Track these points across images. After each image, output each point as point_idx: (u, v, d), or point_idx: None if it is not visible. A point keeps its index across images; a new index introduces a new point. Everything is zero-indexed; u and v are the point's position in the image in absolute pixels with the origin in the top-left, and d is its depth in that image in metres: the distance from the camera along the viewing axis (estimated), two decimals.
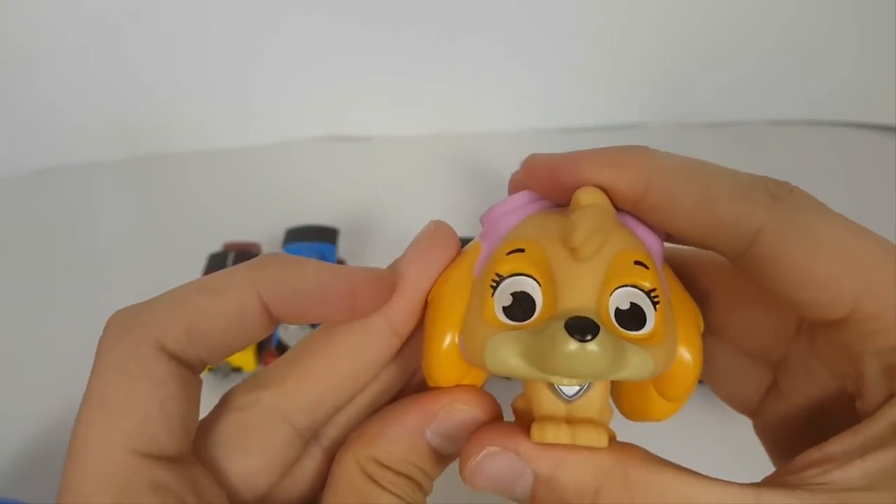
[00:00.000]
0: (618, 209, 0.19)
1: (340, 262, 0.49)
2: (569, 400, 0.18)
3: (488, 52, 0.64)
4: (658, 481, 0.17)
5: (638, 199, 0.19)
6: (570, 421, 0.17)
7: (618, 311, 0.17)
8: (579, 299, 0.17)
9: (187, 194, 0.61)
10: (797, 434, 0.21)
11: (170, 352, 0.18)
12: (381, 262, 0.54)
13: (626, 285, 0.17)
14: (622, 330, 0.17)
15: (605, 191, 0.19)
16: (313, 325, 0.41)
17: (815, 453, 0.17)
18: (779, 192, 0.18)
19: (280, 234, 0.47)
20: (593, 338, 0.16)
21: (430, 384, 0.19)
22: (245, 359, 0.43)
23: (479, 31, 0.64)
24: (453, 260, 0.20)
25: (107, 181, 0.62)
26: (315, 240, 0.47)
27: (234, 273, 0.19)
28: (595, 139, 0.70)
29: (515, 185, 0.21)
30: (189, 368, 0.18)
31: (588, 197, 0.18)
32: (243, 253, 0.45)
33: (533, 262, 0.17)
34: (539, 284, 0.17)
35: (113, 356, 0.18)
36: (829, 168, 0.63)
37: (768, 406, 0.22)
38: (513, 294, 0.17)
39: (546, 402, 0.18)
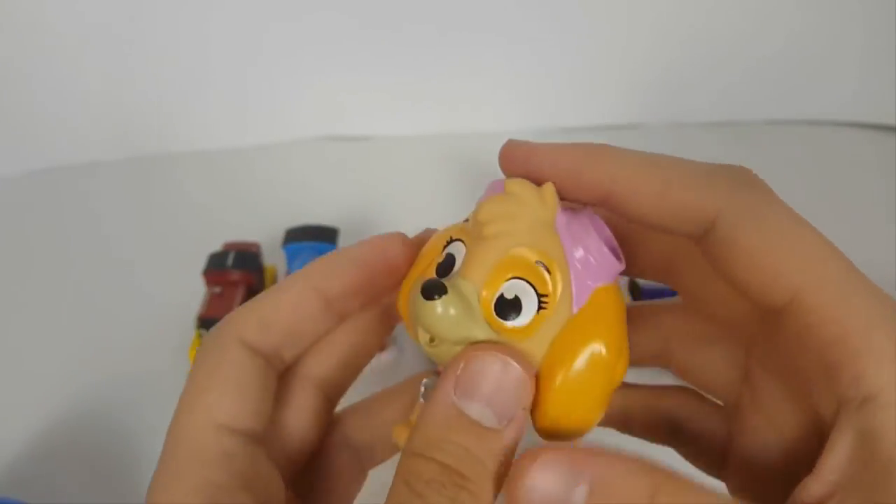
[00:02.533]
0: (597, 211, 0.20)
1: None
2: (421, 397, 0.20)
3: (488, 52, 0.64)
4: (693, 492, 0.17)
5: (605, 192, 0.20)
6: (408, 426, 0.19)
7: (502, 297, 0.18)
8: (470, 271, 0.18)
9: (187, 194, 0.61)
10: (767, 471, 0.21)
11: (248, 343, 0.21)
12: None
13: (521, 278, 0.18)
14: (496, 316, 0.18)
15: (573, 183, 0.20)
16: None
17: None
18: (739, 180, 0.20)
19: (280, 234, 0.47)
20: (438, 297, 0.18)
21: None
22: None
23: (479, 31, 0.64)
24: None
25: (107, 181, 0.62)
26: (315, 239, 0.47)
27: (296, 272, 0.22)
28: (595, 138, 0.70)
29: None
30: (265, 359, 0.21)
31: (511, 186, 0.19)
32: (243, 253, 0.45)
33: (463, 231, 0.20)
34: (464, 245, 0.20)
35: (204, 349, 0.21)
36: (829, 168, 0.63)
37: (733, 452, 0.22)
38: (447, 254, 0.20)
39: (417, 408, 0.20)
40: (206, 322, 0.41)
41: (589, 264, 0.19)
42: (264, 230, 0.51)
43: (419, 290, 0.18)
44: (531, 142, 0.22)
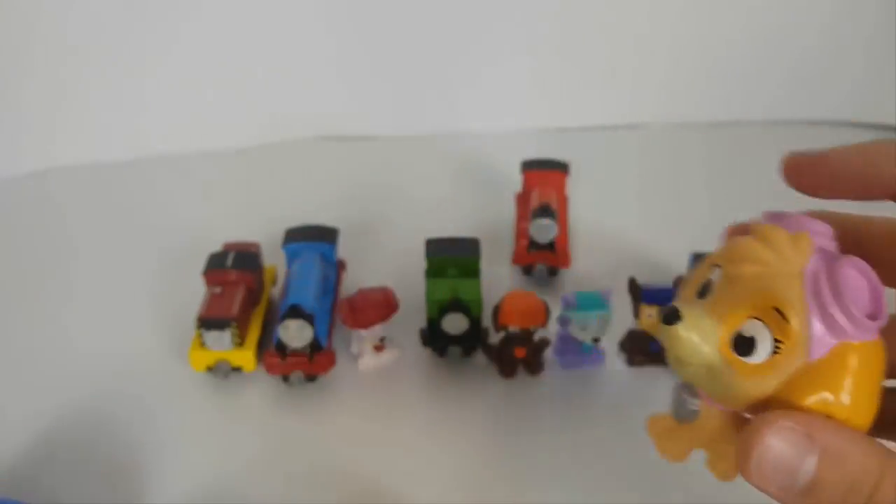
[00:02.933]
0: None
1: (340, 262, 0.49)
2: (678, 420, 0.23)
3: (488, 53, 0.65)
4: None
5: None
6: (671, 435, 0.23)
7: (740, 334, 0.20)
8: (717, 305, 0.21)
9: (188, 194, 0.61)
10: None
11: None
12: (382, 262, 0.55)
13: (759, 320, 0.20)
14: (731, 352, 0.20)
15: (861, 186, 0.22)
16: (314, 333, 0.41)
17: None
18: None
19: (280, 234, 0.47)
20: (677, 320, 0.20)
21: None
22: (245, 358, 0.43)
23: (479, 32, 0.64)
24: None
25: (108, 182, 0.62)
26: (314, 240, 0.47)
27: None
28: (595, 139, 0.71)
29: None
30: None
31: (767, 232, 0.21)
32: (243, 253, 0.45)
33: (722, 258, 0.22)
34: (720, 277, 0.21)
35: None
36: None
37: None
38: (707, 279, 0.22)
39: (665, 418, 0.24)
40: (206, 322, 0.41)
41: (830, 320, 0.20)
42: (264, 230, 0.51)
43: (662, 316, 0.20)
44: (814, 152, 0.23)
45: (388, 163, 0.64)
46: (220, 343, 0.42)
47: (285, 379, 0.43)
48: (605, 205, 0.57)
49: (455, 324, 0.43)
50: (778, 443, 0.18)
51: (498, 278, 0.50)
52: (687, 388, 0.22)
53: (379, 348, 0.44)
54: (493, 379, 0.44)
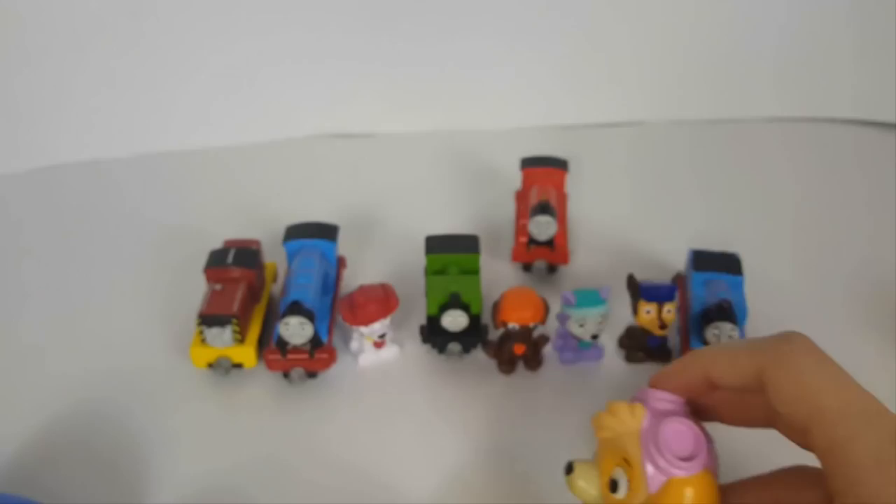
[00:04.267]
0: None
1: (340, 259, 0.49)
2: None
3: (488, 50, 0.65)
4: None
5: (706, 379, 0.29)
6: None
7: (611, 479, 0.29)
8: (599, 463, 0.30)
9: (189, 192, 0.61)
10: None
11: None
12: (382, 259, 0.55)
13: (620, 467, 0.28)
14: (609, 492, 0.29)
15: (685, 384, 0.30)
16: (314, 329, 0.41)
17: None
18: (773, 342, 0.28)
19: (280, 231, 0.48)
20: (568, 474, 0.30)
21: None
22: (246, 355, 0.43)
23: (479, 29, 0.64)
24: None
25: (109, 179, 0.62)
26: (315, 237, 0.47)
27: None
28: (595, 136, 0.71)
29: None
30: None
31: (612, 406, 0.29)
32: (244, 250, 0.46)
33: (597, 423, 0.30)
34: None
35: None
36: (828, 165, 0.63)
37: None
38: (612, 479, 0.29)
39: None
40: (207, 319, 0.42)
41: (655, 463, 0.28)
42: (265, 227, 0.51)
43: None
44: (662, 372, 0.31)
45: (388, 160, 0.64)
46: (221, 340, 0.42)
47: (286, 375, 0.43)
48: (603, 202, 0.57)
49: (455, 320, 0.43)
50: None
51: (497, 275, 0.50)
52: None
53: (379, 345, 0.45)
54: (493, 375, 0.44)
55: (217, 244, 0.47)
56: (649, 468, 0.28)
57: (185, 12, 0.60)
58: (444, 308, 0.43)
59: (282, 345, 0.42)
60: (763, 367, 0.27)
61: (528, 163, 0.53)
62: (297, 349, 0.42)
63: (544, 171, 0.53)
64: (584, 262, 0.52)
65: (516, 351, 0.43)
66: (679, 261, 0.48)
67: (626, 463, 0.28)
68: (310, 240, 0.47)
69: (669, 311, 0.42)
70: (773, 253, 0.52)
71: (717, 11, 0.64)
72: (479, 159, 0.63)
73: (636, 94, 0.68)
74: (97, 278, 0.52)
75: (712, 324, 0.41)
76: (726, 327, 0.40)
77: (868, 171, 0.62)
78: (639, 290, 0.43)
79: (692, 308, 0.43)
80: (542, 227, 0.48)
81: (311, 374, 0.43)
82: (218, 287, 0.44)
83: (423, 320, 0.45)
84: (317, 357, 0.42)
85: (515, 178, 0.53)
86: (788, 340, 0.28)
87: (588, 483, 0.29)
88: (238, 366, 0.43)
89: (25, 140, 0.63)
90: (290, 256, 0.47)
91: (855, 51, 0.65)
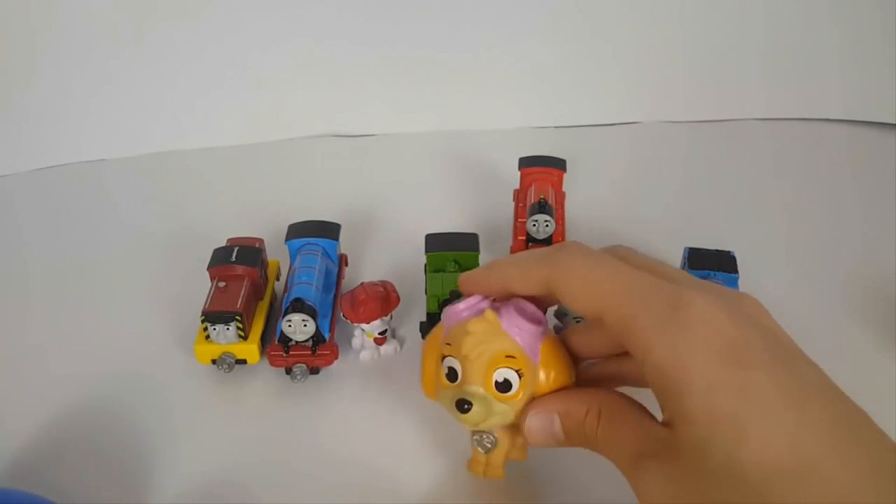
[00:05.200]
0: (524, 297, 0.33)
1: (342, 257, 0.49)
2: (483, 452, 0.35)
3: (488, 51, 0.65)
4: None
5: (506, 286, 0.33)
6: (486, 462, 0.35)
7: (497, 382, 0.31)
8: (472, 380, 0.32)
9: (192, 191, 0.61)
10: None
11: None
12: (383, 257, 0.55)
13: (503, 367, 0.31)
14: (498, 392, 0.31)
15: (486, 289, 0.33)
16: (317, 326, 0.42)
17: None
18: (552, 252, 0.31)
19: (283, 230, 0.48)
20: (469, 408, 0.31)
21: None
22: (249, 351, 0.43)
23: (479, 30, 0.64)
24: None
25: (113, 179, 0.63)
26: (317, 235, 0.47)
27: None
28: (591, 136, 0.71)
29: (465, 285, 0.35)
30: None
31: (472, 326, 0.32)
32: (247, 248, 0.46)
33: (455, 351, 0.32)
34: (459, 364, 0.32)
35: None
36: (821, 165, 0.63)
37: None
38: (448, 367, 0.32)
39: (475, 453, 0.35)
40: (211, 316, 0.42)
41: (526, 338, 0.32)
42: (267, 226, 0.51)
43: (454, 405, 0.31)
44: (469, 273, 0.34)
45: (388, 160, 0.65)
46: (225, 336, 0.42)
47: (288, 371, 0.43)
48: (600, 201, 0.58)
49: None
50: (534, 421, 0.32)
51: None
52: (488, 435, 0.34)
53: (380, 342, 0.45)
54: None
55: (220, 242, 0.47)
56: (523, 345, 0.31)
57: (185, 13, 0.61)
58: (444, 305, 0.44)
59: (284, 341, 0.42)
60: (547, 274, 0.31)
61: (527, 162, 0.54)
62: (299, 346, 0.42)
63: (542, 170, 0.53)
64: None
65: None
66: (675, 259, 0.48)
67: (509, 359, 0.31)
68: (312, 238, 0.47)
69: None
70: (767, 251, 0.53)
71: (711, 13, 0.64)
72: (478, 159, 0.64)
73: (632, 96, 0.68)
74: (101, 277, 0.52)
75: None
76: None
77: (861, 171, 0.63)
78: None
79: None
80: (541, 225, 0.49)
81: (314, 371, 0.43)
82: (222, 285, 0.44)
83: (423, 317, 0.46)
84: (319, 353, 0.43)
85: (514, 178, 0.54)
86: (563, 248, 0.31)
87: (484, 407, 0.31)
88: (241, 362, 0.44)
89: (28, 140, 0.63)
90: (293, 254, 0.47)
91: (847, 52, 0.66)
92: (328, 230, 0.48)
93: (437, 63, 0.65)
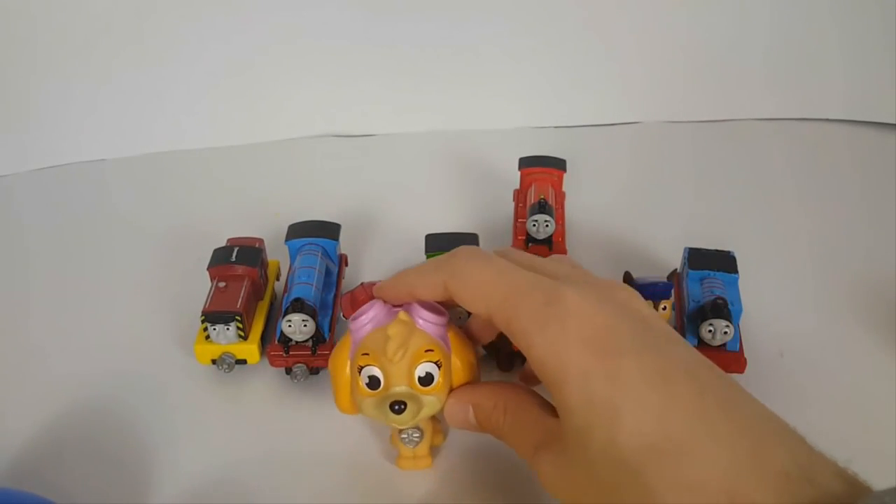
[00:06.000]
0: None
1: (342, 257, 0.49)
2: (412, 447, 0.37)
3: (487, 51, 0.65)
4: None
5: (412, 294, 0.35)
6: (414, 456, 0.38)
7: (420, 377, 0.33)
8: (397, 381, 0.33)
9: (193, 191, 0.61)
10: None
11: None
12: (383, 256, 0.56)
13: (424, 362, 0.33)
14: (421, 387, 0.33)
15: (397, 297, 0.36)
16: (317, 326, 0.42)
17: None
18: (448, 258, 0.34)
19: (283, 230, 0.48)
20: (403, 409, 0.33)
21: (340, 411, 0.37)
22: (249, 351, 0.43)
23: (479, 30, 0.64)
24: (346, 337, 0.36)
25: (113, 179, 0.63)
26: (317, 235, 0.47)
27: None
28: (591, 136, 0.71)
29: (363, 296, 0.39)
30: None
31: (393, 329, 0.33)
32: (247, 248, 0.46)
33: (374, 359, 0.33)
34: (380, 370, 0.33)
35: None
36: (821, 165, 0.63)
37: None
38: (369, 376, 0.34)
39: (403, 450, 0.37)
40: (211, 316, 0.42)
41: (438, 330, 0.34)
42: (267, 226, 0.51)
43: (387, 409, 0.33)
44: (381, 285, 0.36)
45: (388, 160, 0.65)
46: (225, 336, 0.43)
47: (288, 372, 0.43)
48: (600, 201, 0.58)
49: (454, 317, 0.44)
50: (452, 409, 0.34)
51: None
52: (414, 430, 0.36)
53: None
54: (491, 371, 0.45)
55: (220, 242, 0.47)
56: (436, 336, 0.34)
57: (186, 13, 0.61)
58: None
59: (284, 341, 0.42)
60: (444, 279, 0.33)
61: (527, 162, 0.54)
62: (299, 346, 0.42)
63: (542, 170, 0.53)
64: (582, 259, 0.51)
65: (514, 347, 0.43)
66: (675, 259, 0.48)
67: (428, 353, 0.33)
68: (312, 238, 0.47)
69: (665, 308, 0.43)
70: (768, 251, 0.53)
71: (712, 13, 0.64)
72: (478, 159, 0.64)
73: (633, 95, 0.68)
74: (101, 277, 0.52)
75: (707, 321, 0.41)
76: (721, 325, 0.41)
77: (861, 171, 0.63)
78: (635, 287, 0.43)
79: (687, 306, 0.44)
80: (541, 225, 0.49)
81: (314, 371, 0.43)
82: (222, 285, 0.44)
83: None
84: (319, 353, 0.43)
85: (514, 178, 0.54)
86: (456, 254, 0.34)
87: (415, 405, 0.33)
88: (241, 362, 0.44)
89: (28, 140, 0.63)
90: (293, 254, 0.47)
91: (847, 52, 0.66)
92: (328, 230, 0.48)
93: (437, 63, 0.65)
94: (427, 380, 0.33)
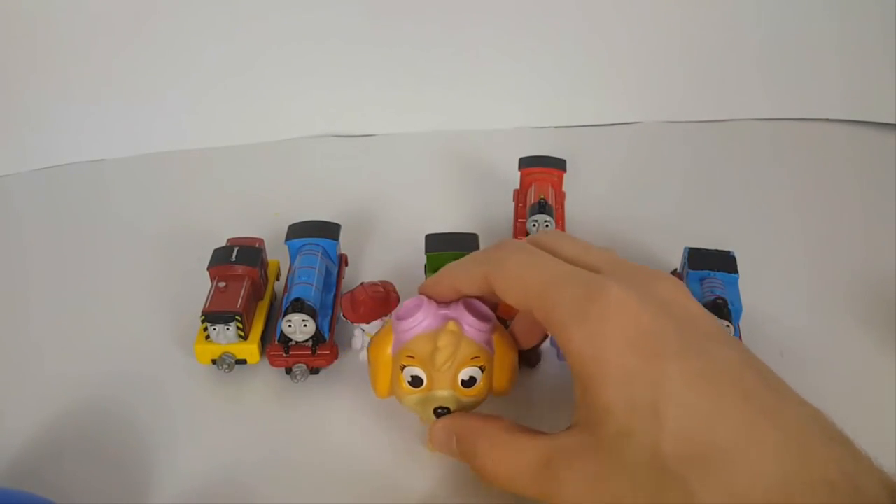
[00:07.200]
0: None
1: (342, 257, 0.49)
2: None
3: (488, 51, 0.65)
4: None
5: (457, 290, 0.35)
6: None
7: (463, 380, 0.34)
8: (442, 385, 0.34)
9: (192, 191, 0.62)
10: None
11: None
12: (382, 257, 0.56)
13: (469, 366, 0.34)
14: (463, 388, 0.35)
15: (445, 294, 0.36)
16: (317, 326, 0.42)
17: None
18: (490, 251, 0.34)
19: (283, 230, 0.48)
20: (446, 412, 0.35)
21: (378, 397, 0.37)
22: (249, 352, 0.43)
23: (479, 30, 0.64)
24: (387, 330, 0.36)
25: (113, 179, 0.63)
26: (317, 235, 0.47)
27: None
28: (592, 136, 0.71)
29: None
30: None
31: (442, 340, 0.33)
32: (247, 248, 0.46)
33: (420, 363, 0.34)
34: (423, 371, 0.34)
35: None
36: (822, 165, 0.64)
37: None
38: (412, 376, 0.35)
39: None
40: (211, 316, 0.42)
41: (483, 336, 0.35)
42: (267, 226, 0.51)
43: (433, 412, 0.35)
44: (425, 282, 0.36)
45: (388, 160, 0.65)
46: (225, 336, 0.43)
47: (288, 372, 0.43)
48: (600, 201, 0.58)
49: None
50: (437, 433, 0.35)
51: None
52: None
53: None
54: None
55: (220, 242, 0.47)
56: (482, 342, 0.34)
57: (186, 14, 0.61)
58: None
59: (284, 341, 0.42)
60: (486, 272, 0.32)
61: (527, 162, 0.54)
62: (299, 346, 0.42)
63: (542, 170, 0.53)
64: None
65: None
66: (675, 259, 0.48)
67: (475, 359, 0.34)
68: (312, 238, 0.47)
69: None
70: (768, 251, 0.53)
71: (711, 13, 0.65)
72: (478, 159, 0.64)
73: (632, 96, 0.68)
74: (101, 277, 0.52)
75: None
76: (721, 325, 0.41)
77: (861, 171, 0.63)
78: None
79: None
80: (541, 225, 0.49)
81: (314, 371, 0.43)
82: (222, 285, 0.44)
83: None
84: (319, 354, 0.43)
85: (514, 178, 0.54)
86: (500, 246, 0.34)
87: (456, 405, 0.35)
88: (241, 362, 0.44)
89: (28, 140, 0.63)
90: (293, 254, 0.47)
91: (847, 52, 0.66)
92: (328, 230, 0.48)
93: (437, 63, 0.65)
94: (470, 383, 0.34)
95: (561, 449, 0.29)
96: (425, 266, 0.46)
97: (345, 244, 0.50)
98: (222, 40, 0.62)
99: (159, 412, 0.42)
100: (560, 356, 0.45)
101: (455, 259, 0.45)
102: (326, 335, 0.43)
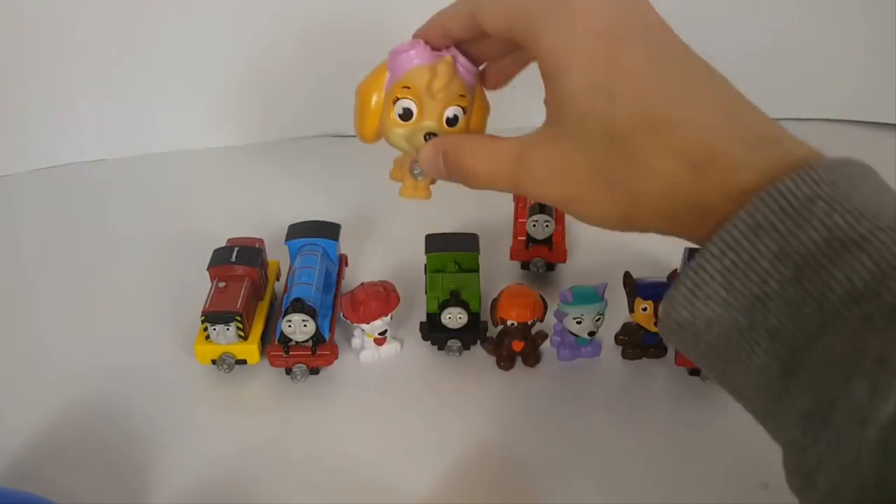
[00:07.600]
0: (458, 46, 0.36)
1: (342, 257, 0.49)
2: (416, 177, 0.38)
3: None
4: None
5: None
6: (415, 188, 0.39)
7: (448, 118, 0.35)
8: (430, 117, 0.35)
9: (192, 191, 0.61)
10: None
11: None
12: (383, 257, 0.56)
13: (455, 105, 0.35)
14: (446, 126, 0.35)
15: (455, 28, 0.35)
16: (317, 326, 0.42)
17: None
18: None
19: (283, 230, 0.48)
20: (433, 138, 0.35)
21: (361, 141, 0.39)
22: (249, 352, 0.43)
23: None
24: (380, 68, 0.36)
25: (115, 179, 0.63)
26: (317, 235, 0.47)
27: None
28: None
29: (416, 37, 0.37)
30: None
31: (442, 67, 0.34)
32: (247, 248, 0.46)
33: (414, 94, 0.35)
34: (415, 104, 0.35)
35: None
36: None
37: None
38: (403, 108, 0.35)
39: (408, 180, 0.38)
40: (211, 316, 0.42)
41: (470, 79, 0.36)
42: (267, 226, 0.51)
43: (423, 138, 0.35)
44: (418, 30, 0.36)
45: (388, 160, 0.65)
46: (225, 336, 0.43)
47: (288, 372, 0.43)
48: None
49: (454, 318, 0.44)
50: (427, 155, 0.35)
51: (496, 273, 0.51)
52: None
53: (380, 342, 0.45)
54: (492, 371, 0.45)
55: (221, 243, 0.47)
56: (468, 85, 0.35)
57: (186, 14, 0.61)
58: (443, 305, 0.44)
59: (284, 341, 0.42)
60: (471, 7, 0.33)
61: None
62: (299, 346, 0.42)
63: None
64: (582, 260, 0.52)
65: (515, 347, 0.44)
66: (675, 259, 0.48)
67: (461, 97, 0.35)
68: (312, 238, 0.47)
69: None
70: None
71: (710, 14, 0.64)
72: None
73: None
74: (102, 277, 0.52)
75: None
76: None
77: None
78: (635, 288, 0.44)
79: None
80: (540, 225, 0.49)
81: (314, 371, 0.44)
82: (222, 285, 0.44)
83: (423, 317, 0.46)
84: (319, 354, 0.43)
85: None
86: None
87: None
88: (241, 362, 0.44)
89: (28, 140, 0.63)
90: (293, 255, 0.47)
91: (847, 52, 0.66)
92: (328, 230, 0.48)
93: None
94: (453, 121, 0.35)
95: (531, 142, 0.32)
96: (425, 266, 0.46)
97: (345, 244, 0.50)
98: (222, 40, 0.62)
99: (159, 412, 0.42)
100: (560, 356, 0.45)
101: (455, 260, 0.46)
102: (326, 335, 0.43)
